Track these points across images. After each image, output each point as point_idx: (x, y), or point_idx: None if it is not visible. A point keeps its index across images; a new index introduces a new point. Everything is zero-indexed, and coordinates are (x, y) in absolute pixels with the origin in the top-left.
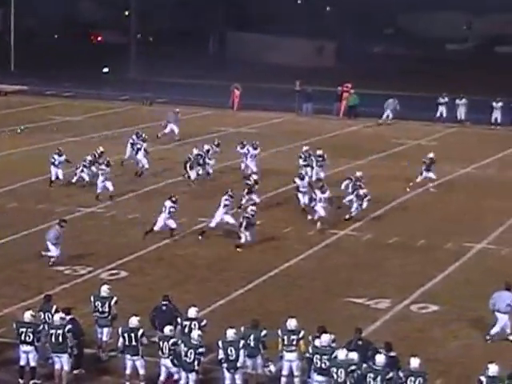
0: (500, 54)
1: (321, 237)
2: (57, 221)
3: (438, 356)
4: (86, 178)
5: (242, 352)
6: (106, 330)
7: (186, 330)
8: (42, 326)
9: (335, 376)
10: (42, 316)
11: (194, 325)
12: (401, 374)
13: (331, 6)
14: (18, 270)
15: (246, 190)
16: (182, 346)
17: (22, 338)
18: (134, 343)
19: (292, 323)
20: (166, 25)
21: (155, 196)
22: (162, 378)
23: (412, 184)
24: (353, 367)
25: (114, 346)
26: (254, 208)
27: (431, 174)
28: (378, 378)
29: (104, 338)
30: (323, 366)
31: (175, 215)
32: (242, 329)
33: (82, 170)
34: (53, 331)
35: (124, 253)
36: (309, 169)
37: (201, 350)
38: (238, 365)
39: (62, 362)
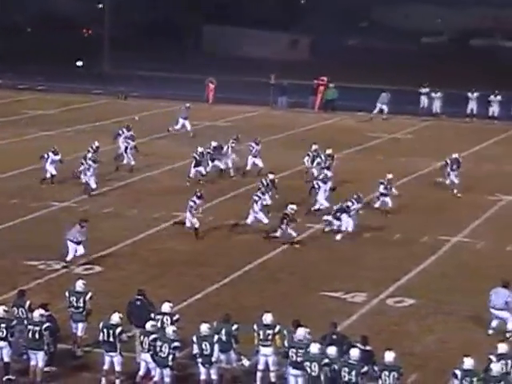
0: (475, 47)
1: (297, 231)
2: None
3: (414, 350)
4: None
5: (216, 347)
6: (80, 325)
7: (159, 325)
8: (15, 321)
9: (309, 370)
10: (16, 311)
11: (167, 319)
12: (376, 368)
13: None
14: None
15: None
16: (157, 341)
17: None
18: (111, 339)
19: (267, 318)
20: (141, 18)
21: (130, 192)
22: (141, 372)
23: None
24: (326, 361)
25: (89, 341)
26: (293, 206)
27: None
28: (353, 373)
29: (79, 333)
30: (298, 359)
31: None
32: (215, 323)
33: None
34: (30, 327)
35: (99, 247)
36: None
37: (175, 344)
38: (213, 359)
39: (38, 359)
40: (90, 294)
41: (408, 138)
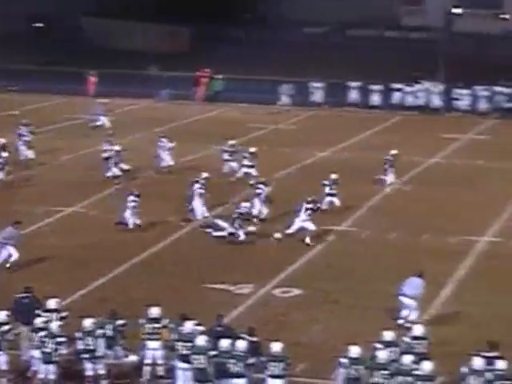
0: (353, 37)
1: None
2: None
3: (301, 340)
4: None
5: (100, 342)
6: None
7: (46, 322)
8: None
9: (195, 363)
10: None
11: (55, 316)
12: (263, 359)
13: None
14: None
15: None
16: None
17: None
18: None
19: (154, 311)
20: (19, 11)
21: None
22: (34, 368)
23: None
24: (213, 353)
25: None
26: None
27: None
28: (240, 364)
29: None
30: (186, 352)
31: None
32: (100, 319)
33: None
34: None
35: None
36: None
37: (59, 339)
38: (98, 355)
39: None
40: None
41: (291, 128)
